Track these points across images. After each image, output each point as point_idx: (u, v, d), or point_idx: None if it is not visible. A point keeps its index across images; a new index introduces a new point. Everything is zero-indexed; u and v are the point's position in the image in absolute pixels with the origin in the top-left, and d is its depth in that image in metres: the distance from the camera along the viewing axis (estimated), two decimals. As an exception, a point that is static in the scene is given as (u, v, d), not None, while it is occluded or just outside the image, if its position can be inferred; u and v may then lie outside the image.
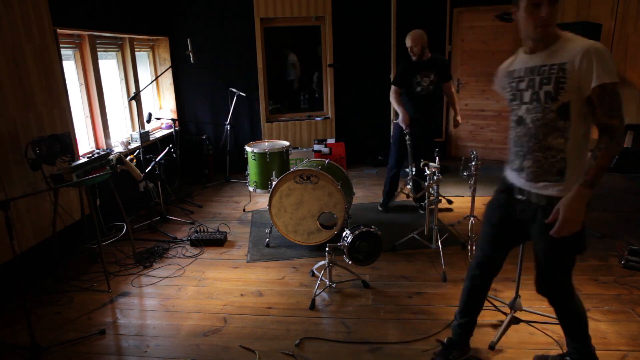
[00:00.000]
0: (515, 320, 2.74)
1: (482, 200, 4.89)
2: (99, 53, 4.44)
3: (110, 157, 3.55)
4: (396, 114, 4.40)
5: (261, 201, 5.20)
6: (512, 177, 2.20)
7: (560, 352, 2.48)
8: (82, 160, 3.31)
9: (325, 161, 4.08)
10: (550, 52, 1.90)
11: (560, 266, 2.13)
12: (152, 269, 3.65)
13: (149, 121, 4.90)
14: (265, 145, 4.56)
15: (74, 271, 3.64)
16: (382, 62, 6.33)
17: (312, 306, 3.02)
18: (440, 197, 3.56)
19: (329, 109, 6.46)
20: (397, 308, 2.99)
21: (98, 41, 4.47)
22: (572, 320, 2.22)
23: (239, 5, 5.93)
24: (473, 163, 3.41)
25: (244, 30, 5.99)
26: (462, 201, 4.98)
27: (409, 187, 4.68)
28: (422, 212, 4.53)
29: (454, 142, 6.78)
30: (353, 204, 4.76)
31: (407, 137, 4.24)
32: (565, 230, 1.92)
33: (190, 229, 4.43)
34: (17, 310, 3.06)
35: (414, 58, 4.27)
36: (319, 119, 6.41)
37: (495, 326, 2.73)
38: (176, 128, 5.33)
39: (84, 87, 4.32)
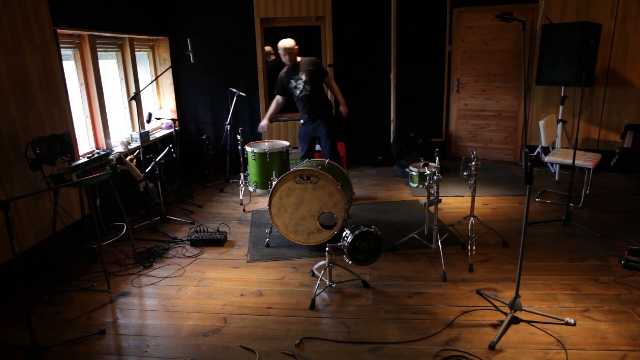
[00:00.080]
0: (515, 320, 2.74)
1: (482, 200, 4.93)
2: (99, 53, 4.44)
3: (110, 157, 3.55)
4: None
5: (261, 201, 5.20)
6: None
7: (561, 351, 2.48)
8: (82, 160, 3.31)
9: (325, 161, 4.08)
10: None
11: None
12: (152, 269, 3.65)
13: (149, 121, 4.90)
14: (265, 145, 4.56)
15: (74, 271, 3.64)
16: (382, 62, 6.33)
17: (312, 306, 3.02)
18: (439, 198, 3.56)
19: (329, 109, 6.45)
20: (397, 308, 2.99)
21: (98, 41, 4.47)
22: None
23: (239, 5, 5.92)
24: (473, 163, 3.41)
25: (244, 30, 5.98)
26: (462, 201, 4.99)
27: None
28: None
29: (454, 142, 6.78)
30: (353, 204, 4.76)
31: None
32: None
33: (190, 229, 4.43)
34: (17, 310, 3.06)
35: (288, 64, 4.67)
36: (319, 119, 6.40)
37: (495, 326, 2.73)
38: (176, 128, 5.33)
39: (84, 87, 4.32)
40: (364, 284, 3.27)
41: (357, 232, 3.12)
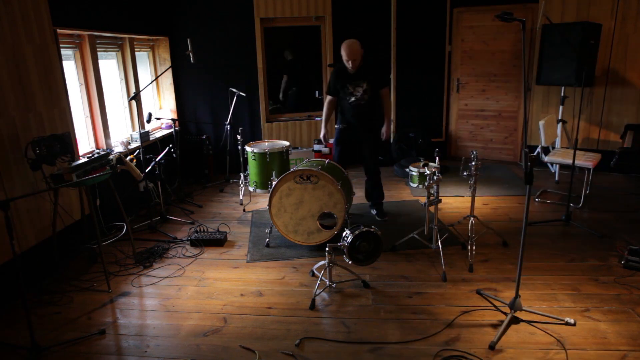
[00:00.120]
0: (515, 320, 2.75)
1: (482, 200, 4.93)
2: (99, 53, 4.44)
3: (110, 157, 3.55)
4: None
5: (261, 201, 5.20)
6: None
7: (561, 351, 2.48)
8: (82, 160, 3.31)
9: (325, 161, 4.08)
10: None
11: None
12: (152, 269, 3.65)
13: (149, 121, 4.90)
14: (265, 145, 4.57)
15: (74, 271, 3.64)
16: (382, 62, 6.32)
17: (312, 306, 3.02)
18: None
19: (329, 109, 6.45)
20: (397, 308, 2.99)
21: (98, 41, 4.47)
22: None
23: (239, 5, 5.92)
24: (473, 163, 3.41)
25: (244, 30, 5.98)
26: (462, 201, 4.99)
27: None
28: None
29: (454, 142, 6.78)
30: (352, 204, 4.76)
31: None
32: None
33: (190, 229, 4.43)
34: (17, 310, 3.06)
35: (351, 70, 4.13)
36: (319, 119, 6.41)
37: (495, 326, 2.73)
38: (176, 128, 5.32)
39: (84, 87, 4.32)
40: (364, 284, 3.27)
41: (357, 232, 3.12)
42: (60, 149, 3.28)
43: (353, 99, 4.19)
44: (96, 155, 3.44)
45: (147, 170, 4.42)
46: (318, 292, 3.18)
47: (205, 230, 4.24)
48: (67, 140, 3.36)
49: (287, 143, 4.59)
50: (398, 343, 2.63)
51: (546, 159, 4.94)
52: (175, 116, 6.08)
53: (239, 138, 5.06)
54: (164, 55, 5.98)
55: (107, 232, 4.22)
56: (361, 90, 4.16)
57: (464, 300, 3.04)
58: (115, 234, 4.19)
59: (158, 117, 5.37)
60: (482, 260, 3.58)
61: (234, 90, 5.76)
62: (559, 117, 5.59)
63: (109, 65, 4.97)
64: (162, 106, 6.20)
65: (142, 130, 5.01)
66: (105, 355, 2.61)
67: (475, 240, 3.63)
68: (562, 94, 5.50)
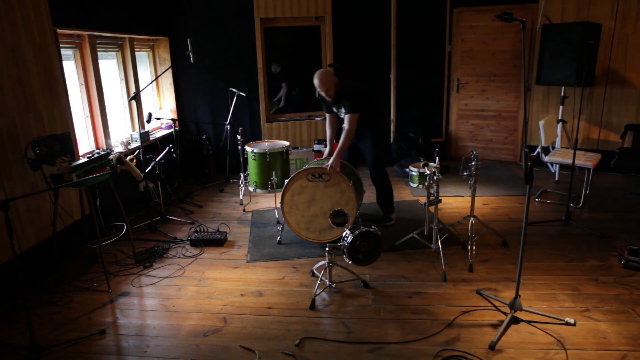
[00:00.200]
0: (515, 320, 2.74)
1: (482, 200, 4.93)
2: (99, 53, 4.44)
3: (110, 157, 3.55)
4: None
5: (261, 201, 5.20)
6: None
7: (561, 351, 2.48)
8: (82, 160, 3.31)
9: None
10: None
11: None
12: (152, 269, 3.65)
13: (149, 121, 4.90)
14: (265, 145, 4.57)
15: (74, 271, 3.64)
16: (382, 62, 6.32)
17: (312, 306, 3.02)
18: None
19: (329, 109, 6.45)
20: (397, 308, 2.99)
21: (98, 41, 4.47)
22: None
23: (239, 5, 5.92)
24: (473, 163, 3.41)
25: (244, 30, 5.98)
26: (462, 201, 4.99)
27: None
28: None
29: (454, 142, 6.78)
30: (362, 202, 4.75)
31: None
32: None
33: (190, 229, 4.43)
34: (17, 310, 3.06)
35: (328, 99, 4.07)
36: (319, 119, 6.41)
37: (495, 326, 2.73)
38: (176, 128, 5.32)
39: (84, 87, 4.32)
40: (364, 284, 3.27)
41: (357, 232, 3.12)
42: (60, 149, 3.28)
43: (342, 116, 4.15)
44: (96, 155, 3.44)
45: (147, 170, 4.42)
46: (318, 292, 3.18)
47: (205, 230, 4.24)
48: (67, 140, 3.35)
49: (287, 143, 4.59)
50: (398, 343, 2.63)
51: (546, 159, 4.94)
52: (175, 116, 6.08)
53: (239, 138, 5.06)
54: (164, 55, 5.98)
55: (107, 232, 4.22)
56: (343, 111, 4.09)
57: (464, 300, 3.04)
58: (115, 234, 4.19)
59: (158, 117, 5.37)
60: (482, 260, 3.58)
61: (234, 90, 5.76)
62: (559, 117, 5.59)
63: (109, 65, 4.97)
64: (162, 106, 6.20)
65: (142, 130, 5.01)
66: (105, 355, 2.61)
67: (475, 240, 3.63)
68: (562, 94, 5.50)
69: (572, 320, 2.70)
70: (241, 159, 5.16)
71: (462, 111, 6.60)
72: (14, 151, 3.22)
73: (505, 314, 2.81)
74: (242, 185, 5.21)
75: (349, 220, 3.73)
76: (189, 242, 4.10)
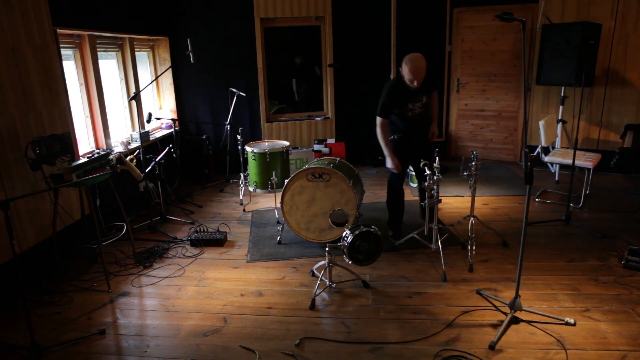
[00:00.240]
0: (515, 320, 2.74)
1: (482, 200, 4.93)
2: (99, 53, 4.44)
3: (110, 157, 3.55)
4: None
5: (261, 201, 5.20)
6: None
7: (561, 351, 2.48)
8: (82, 160, 3.31)
9: (336, 159, 4.08)
10: None
11: None
12: (152, 269, 3.65)
13: (149, 121, 4.90)
14: (265, 145, 4.57)
15: (74, 271, 3.64)
16: (382, 62, 6.32)
17: (312, 306, 3.02)
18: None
19: (329, 109, 6.45)
20: (397, 308, 2.99)
21: (98, 41, 4.47)
22: None
23: (239, 5, 5.92)
24: (473, 163, 3.41)
25: (244, 30, 5.98)
26: (462, 201, 4.98)
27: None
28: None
29: (454, 142, 6.78)
30: (363, 203, 4.76)
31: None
32: None
33: (190, 229, 4.43)
34: (17, 310, 3.06)
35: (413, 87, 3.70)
36: (319, 119, 6.41)
37: (495, 326, 2.73)
38: (176, 128, 5.33)
39: (84, 87, 4.32)
40: (364, 284, 3.27)
41: (357, 232, 3.12)
42: (60, 149, 3.28)
43: (410, 113, 3.85)
44: (96, 155, 3.44)
45: (147, 170, 4.42)
46: (318, 292, 3.18)
47: (205, 230, 4.24)
48: (67, 140, 3.36)
49: (287, 143, 4.59)
50: (398, 343, 2.63)
51: (546, 159, 4.94)
52: (175, 116, 6.08)
53: (239, 138, 5.06)
54: (164, 55, 5.98)
55: (107, 232, 4.22)
56: (420, 104, 3.85)
57: (464, 300, 3.04)
58: (115, 234, 4.19)
59: (158, 117, 5.37)
60: (482, 260, 3.58)
61: (234, 90, 5.76)
62: (559, 117, 5.59)
63: (109, 65, 4.97)
64: (162, 106, 6.20)
65: (142, 130, 5.01)
66: (105, 355, 2.61)
67: (475, 240, 3.63)
68: (562, 94, 5.50)
69: (572, 320, 2.70)
70: (241, 159, 5.16)
71: (462, 111, 6.60)
72: (14, 151, 3.22)
73: (505, 314, 2.81)
74: (242, 185, 5.21)
75: (349, 220, 3.73)
76: (189, 242, 4.10)
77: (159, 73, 5.97)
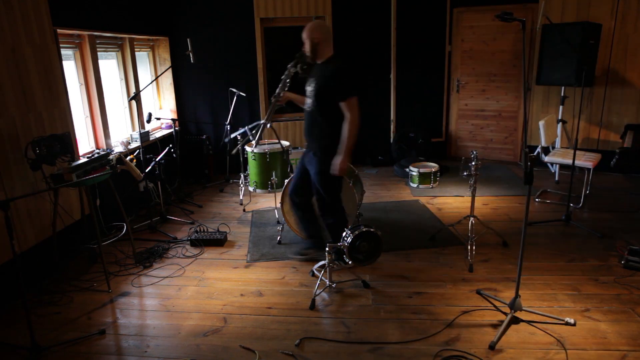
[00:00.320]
0: (515, 320, 2.74)
1: (482, 200, 4.93)
2: (99, 53, 4.44)
3: (110, 157, 3.55)
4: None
5: (261, 201, 5.20)
6: None
7: (561, 351, 2.48)
8: (82, 160, 3.31)
9: None
10: None
11: None
12: (152, 269, 3.65)
13: (149, 121, 4.90)
14: (265, 145, 4.56)
15: (74, 271, 3.64)
16: (382, 62, 6.32)
17: (312, 306, 3.02)
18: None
19: (329, 109, 6.45)
20: (397, 308, 2.99)
21: (98, 41, 4.47)
22: None
23: (239, 5, 5.92)
24: (473, 163, 3.41)
25: (244, 30, 5.98)
26: (462, 201, 4.98)
27: None
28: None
29: (454, 142, 6.78)
30: (363, 203, 4.76)
31: None
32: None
33: (190, 229, 4.43)
34: (17, 310, 3.06)
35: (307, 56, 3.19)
36: (319, 119, 6.41)
37: (495, 326, 2.73)
38: (176, 128, 5.32)
39: (84, 87, 4.32)
40: (364, 284, 3.27)
41: (357, 232, 3.12)
42: (60, 149, 3.28)
43: (306, 104, 3.29)
44: (96, 155, 3.44)
45: (147, 170, 4.42)
46: (318, 292, 3.18)
47: (205, 230, 4.24)
48: (67, 140, 3.36)
49: (287, 143, 4.59)
50: (398, 343, 2.63)
51: (546, 159, 4.94)
52: (175, 116, 6.08)
53: (239, 138, 5.06)
54: (164, 55, 5.98)
55: (107, 232, 4.22)
56: (310, 91, 3.24)
57: (464, 300, 3.04)
58: (115, 234, 4.19)
59: (158, 117, 5.37)
60: (482, 260, 3.58)
61: (234, 90, 5.75)
62: (559, 117, 5.59)
63: (109, 65, 4.97)
64: (162, 106, 6.20)
65: (142, 130, 5.01)
66: (105, 355, 2.61)
67: (475, 240, 3.63)
68: (562, 94, 5.50)
69: (572, 320, 2.70)
70: (241, 159, 5.15)
71: (462, 111, 6.60)
72: (14, 151, 3.22)
73: (505, 314, 2.81)
74: (242, 185, 5.21)
75: (349, 220, 3.73)
76: (189, 242, 4.10)
77: (159, 73, 5.97)
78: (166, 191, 5.25)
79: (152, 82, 5.68)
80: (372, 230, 3.14)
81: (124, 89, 5.11)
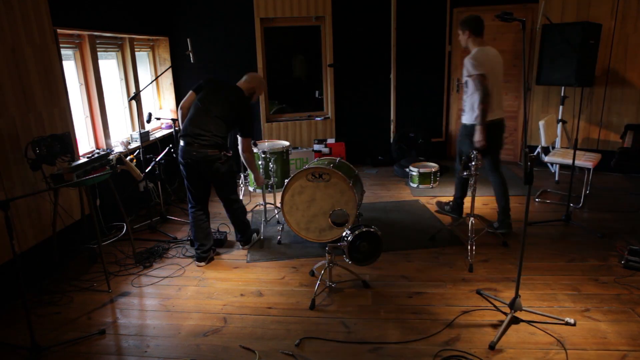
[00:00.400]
0: (515, 320, 2.74)
1: (482, 200, 4.92)
2: (99, 53, 4.44)
3: (110, 157, 3.55)
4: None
5: (261, 201, 5.19)
6: None
7: (561, 351, 2.48)
8: (82, 160, 3.31)
9: (336, 159, 4.09)
10: None
11: None
12: (152, 269, 3.65)
13: (149, 121, 4.89)
14: (265, 145, 4.56)
15: (74, 271, 3.64)
16: (382, 62, 6.33)
17: (312, 306, 3.02)
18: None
19: (329, 109, 6.45)
20: (397, 308, 2.99)
21: (98, 41, 4.47)
22: None
23: (239, 5, 5.92)
24: (473, 163, 3.41)
25: (244, 30, 5.98)
26: (462, 201, 4.98)
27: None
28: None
29: (454, 142, 6.77)
30: (363, 203, 4.76)
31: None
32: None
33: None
34: (17, 310, 3.06)
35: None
36: (319, 119, 6.41)
37: (495, 326, 2.73)
38: (176, 128, 5.32)
39: (84, 87, 4.32)
40: (364, 284, 3.27)
41: (357, 232, 3.12)
42: (60, 149, 3.28)
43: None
44: (96, 155, 3.44)
45: (147, 170, 4.42)
46: (318, 292, 3.18)
47: (205, 230, 4.23)
48: (67, 140, 3.36)
49: (287, 143, 4.59)
50: (398, 343, 2.63)
51: (546, 159, 4.94)
52: (175, 116, 6.07)
53: (239, 138, 5.05)
54: (164, 55, 5.98)
55: (107, 232, 4.22)
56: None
57: (464, 300, 3.04)
58: (115, 234, 4.19)
59: (158, 117, 5.36)
60: (482, 260, 3.58)
61: (234, 90, 5.74)
62: (559, 117, 5.59)
63: (109, 65, 4.97)
64: (162, 106, 6.20)
65: (142, 130, 5.01)
66: (105, 355, 2.61)
67: (475, 240, 3.63)
68: (562, 94, 5.50)
69: (572, 320, 2.70)
70: (241, 159, 5.14)
71: (461, 111, 6.59)
72: (14, 151, 3.22)
73: (505, 314, 2.81)
74: (242, 185, 5.20)
75: (349, 220, 3.73)
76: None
77: (159, 73, 5.97)
78: (166, 191, 5.25)
79: (152, 82, 5.68)
80: (372, 230, 3.14)
81: (124, 89, 5.11)
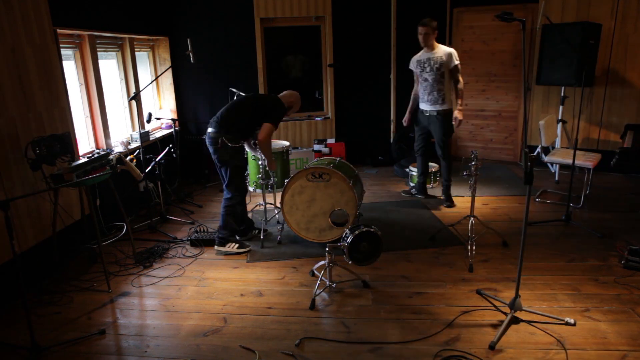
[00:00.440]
0: (515, 320, 2.74)
1: (482, 200, 4.93)
2: (99, 53, 4.44)
3: (110, 157, 3.55)
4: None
5: (261, 201, 5.19)
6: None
7: (561, 351, 2.48)
8: (82, 160, 3.32)
9: (336, 159, 4.09)
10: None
11: None
12: (152, 269, 3.65)
13: (149, 121, 4.90)
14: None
15: (74, 271, 3.64)
16: (382, 62, 6.32)
17: (312, 306, 3.02)
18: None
19: (329, 109, 6.45)
20: (397, 308, 2.99)
21: (98, 41, 4.47)
22: None
23: (239, 5, 5.92)
24: (473, 163, 3.41)
25: (244, 30, 5.98)
26: (462, 201, 4.98)
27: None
28: None
29: (453, 142, 6.77)
30: (363, 203, 4.76)
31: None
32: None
33: (190, 229, 4.43)
34: (17, 310, 3.06)
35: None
36: (319, 119, 6.41)
37: (495, 326, 2.73)
38: (176, 128, 5.33)
39: (84, 87, 4.32)
40: (364, 284, 3.27)
41: (357, 232, 3.12)
42: (60, 149, 3.28)
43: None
44: (96, 155, 3.44)
45: (147, 170, 4.42)
46: (318, 292, 3.18)
47: (205, 230, 4.24)
48: (67, 140, 3.36)
49: (287, 143, 4.59)
50: (398, 343, 2.63)
51: (546, 159, 4.94)
52: (175, 116, 6.08)
53: (263, 125, 5.03)
54: (164, 55, 5.98)
55: (107, 232, 4.22)
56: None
57: (464, 300, 3.04)
58: (115, 234, 4.19)
59: (158, 117, 5.37)
60: (482, 260, 3.58)
61: (234, 90, 5.75)
62: (559, 117, 5.59)
63: (109, 65, 4.97)
64: (162, 106, 6.20)
65: (142, 130, 5.01)
66: (105, 355, 2.61)
67: (475, 240, 3.63)
68: (562, 94, 5.50)
69: (572, 320, 2.70)
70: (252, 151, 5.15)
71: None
72: (14, 151, 3.22)
73: (505, 314, 2.81)
74: (242, 185, 5.20)
75: (349, 220, 3.73)
76: (189, 242, 4.10)
77: (159, 73, 5.97)
78: (166, 191, 5.25)
79: (152, 82, 5.68)
80: (372, 230, 3.14)
81: (124, 89, 5.11)
